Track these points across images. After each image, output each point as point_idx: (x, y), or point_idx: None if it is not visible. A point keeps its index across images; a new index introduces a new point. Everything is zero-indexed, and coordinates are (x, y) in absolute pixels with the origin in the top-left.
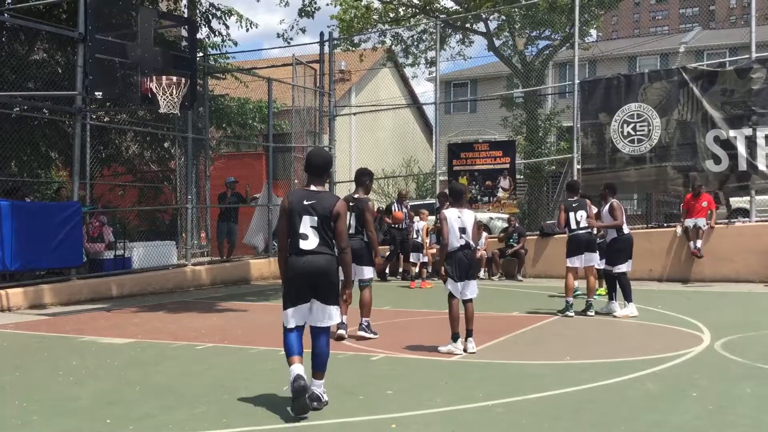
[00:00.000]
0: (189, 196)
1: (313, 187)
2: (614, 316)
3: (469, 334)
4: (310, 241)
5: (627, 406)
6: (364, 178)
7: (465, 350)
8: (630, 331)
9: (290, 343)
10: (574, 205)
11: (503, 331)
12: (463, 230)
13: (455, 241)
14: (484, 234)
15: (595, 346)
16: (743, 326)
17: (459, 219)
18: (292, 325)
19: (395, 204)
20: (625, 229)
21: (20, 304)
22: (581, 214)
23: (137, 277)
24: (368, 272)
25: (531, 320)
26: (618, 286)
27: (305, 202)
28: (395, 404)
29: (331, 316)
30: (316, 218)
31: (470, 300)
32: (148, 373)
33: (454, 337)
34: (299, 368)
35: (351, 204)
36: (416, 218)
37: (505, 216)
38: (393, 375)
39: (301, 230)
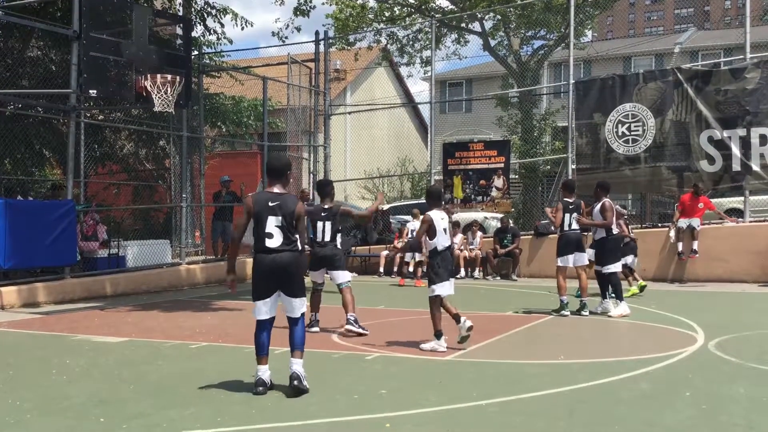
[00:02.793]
0: (183, 195)
1: (276, 189)
2: (609, 316)
3: (457, 320)
4: (275, 240)
5: (621, 406)
6: (328, 188)
7: (463, 337)
8: (624, 330)
9: (261, 343)
10: (571, 206)
11: (497, 331)
12: (445, 230)
13: (445, 242)
14: (479, 233)
15: (589, 345)
16: (737, 326)
17: (442, 220)
18: (263, 316)
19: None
20: (615, 229)
21: (14, 302)
22: (575, 216)
23: (131, 275)
24: (343, 276)
25: (525, 320)
26: (611, 285)
27: (270, 204)
28: (389, 403)
29: (301, 306)
30: (280, 218)
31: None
32: (141, 372)
33: (438, 335)
34: (265, 372)
35: (323, 214)
36: (409, 218)
37: (500, 215)
38: (387, 374)
39: (267, 229)
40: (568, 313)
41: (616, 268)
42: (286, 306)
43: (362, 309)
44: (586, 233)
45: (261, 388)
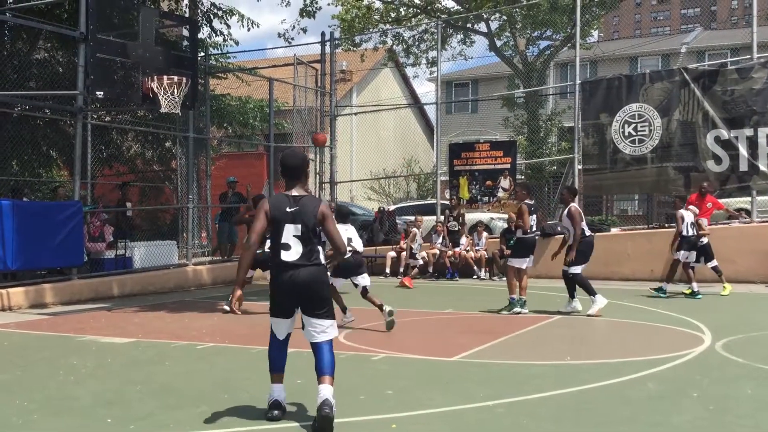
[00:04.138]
0: (190, 196)
1: (294, 192)
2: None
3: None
4: (292, 252)
5: (628, 407)
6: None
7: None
8: (631, 331)
9: (273, 356)
10: (532, 208)
11: (504, 332)
12: (350, 240)
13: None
14: (485, 234)
15: (595, 346)
16: (744, 327)
17: (345, 231)
18: (280, 334)
19: None
20: (587, 231)
21: (21, 303)
22: (534, 218)
23: (138, 276)
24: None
25: (532, 320)
26: (578, 286)
27: (287, 209)
28: (395, 404)
29: (325, 329)
30: (300, 226)
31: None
32: (148, 373)
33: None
34: (280, 392)
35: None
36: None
37: (506, 216)
38: (393, 375)
39: (283, 239)
40: (527, 311)
41: (580, 269)
42: (308, 328)
43: (369, 310)
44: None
45: (276, 412)
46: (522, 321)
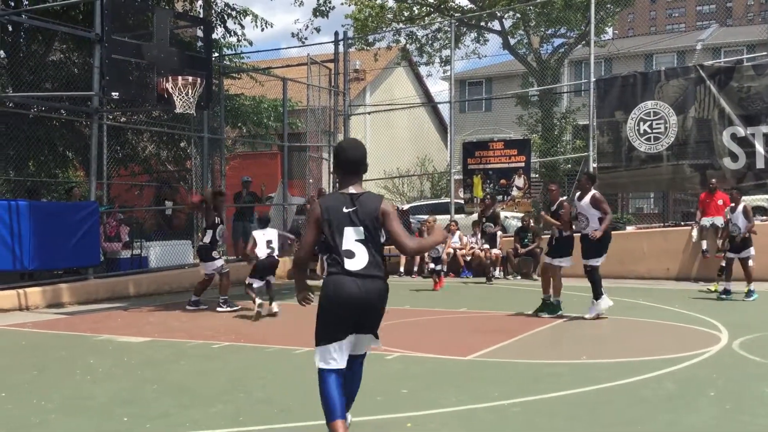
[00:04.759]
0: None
1: (351, 189)
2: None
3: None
4: (358, 260)
5: (644, 406)
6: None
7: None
8: (647, 330)
9: (332, 398)
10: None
11: (519, 331)
12: (270, 242)
13: (263, 251)
14: (499, 233)
15: (611, 345)
16: (762, 326)
17: (263, 235)
18: (334, 365)
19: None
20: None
21: (38, 303)
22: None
23: (154, 276)
24: (210, 266)
25: (547, 320)
26: (590, 281)
27: (345, 210)
28: (410, 403)
29: (374, 342)
30: (361, 229)
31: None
32: (164, 372)
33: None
34: None
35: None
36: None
37: (520, 215)
38: (408, 374)
39: (345, 246)
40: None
41: (600, 262)
42: (358, 343)
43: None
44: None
45: None
46: (537, 320)
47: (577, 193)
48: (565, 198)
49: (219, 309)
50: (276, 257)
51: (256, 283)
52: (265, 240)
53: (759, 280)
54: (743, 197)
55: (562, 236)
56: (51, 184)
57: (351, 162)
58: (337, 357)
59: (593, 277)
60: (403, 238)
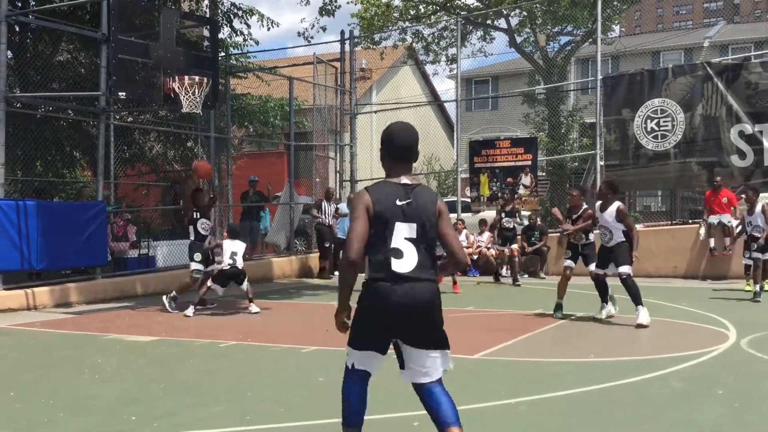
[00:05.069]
0: (211, 195)
1: (404, 179)
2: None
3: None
4: (407, 261)
5: (651, 405)
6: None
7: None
8: (654, 329)
9: (350, 402)
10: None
11: (526, 329)
12: (234, 254)
13: (226, 260)
14: (518, 228)
15: (619, 344)
16: None
17: (231, 245)
18: (362, 366)
19: (324, 202)
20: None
21: (46, 302)
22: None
23: (161, 275)
24: (193, 265)
25: (554, 318)
26: (627, 291)
27: (398, 203)
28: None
29: (445, 362)
30: (414, 226)
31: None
32: (171, 371)
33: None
34: None
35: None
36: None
37: (527, 213)
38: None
39: (394, 243)
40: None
41: (631, 270)
42: (413, 366)
43: None
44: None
45: None
46: (544, 319)
47: (598, 203)
48: (587, 207)
49: (166, 304)
50: (239, 267)
51: (219, 289)
52: (230, 251)
53: None
54: None
55: (588, 242)
56: (59, 184)
57: (402, 147)
58: (371, 364)
59: (629, 284)
60: (457, 247)
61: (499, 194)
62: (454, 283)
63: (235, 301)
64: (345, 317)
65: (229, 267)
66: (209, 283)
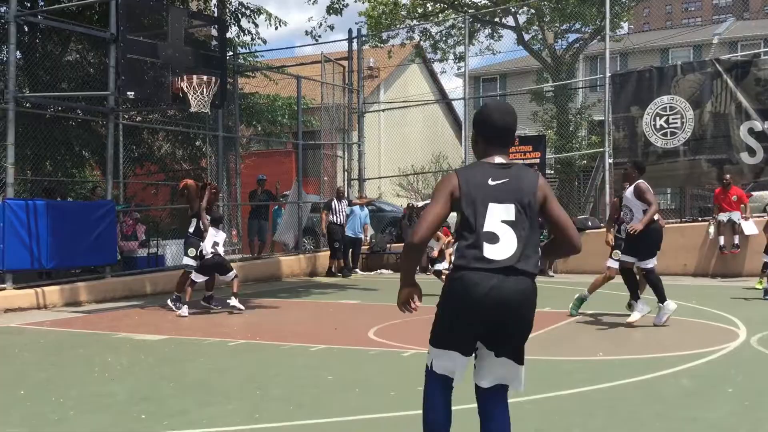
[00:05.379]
0: (220, 194)
1: (498, 159)
2: (655, 324)
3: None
4: (503, 247)
5: (661, 403)
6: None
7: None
8: (663, 326)
9: (433, 409)
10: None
11: (534, 327)
12: (216, 243)
13: (208, 249)
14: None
15: (628, 342)
16: None
17: (214, 235)
18: (445, 372)
19: (334, 201)
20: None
21: (56, 301)
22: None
23: (170, 274)
24: (185, 260)
25: (562, 316)
26: (650, 286)
27: (491, 182)
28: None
29: (516, 376)
30: (512, 207)
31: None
32: (181, 370)
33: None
34: None
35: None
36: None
37: None
38: (423, 371)
39: (487, 227)
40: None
41: (654, 263)
42: (496, 371)
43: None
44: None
45: None
46: (552, 317)
47: (626, 185)
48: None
49: (170, 304)
50: (222, 256)
51: (198, 278)
52: (212, 240)
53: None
54: (761, 193)
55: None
56: (69, 184)
57: (499, 129)
58: (451, 366)
59: (651, 279)
60: (571, 230)
61: None
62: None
63: (246, 300)
64: (408, 292)
65: (211, 255)
66: (192, 276)
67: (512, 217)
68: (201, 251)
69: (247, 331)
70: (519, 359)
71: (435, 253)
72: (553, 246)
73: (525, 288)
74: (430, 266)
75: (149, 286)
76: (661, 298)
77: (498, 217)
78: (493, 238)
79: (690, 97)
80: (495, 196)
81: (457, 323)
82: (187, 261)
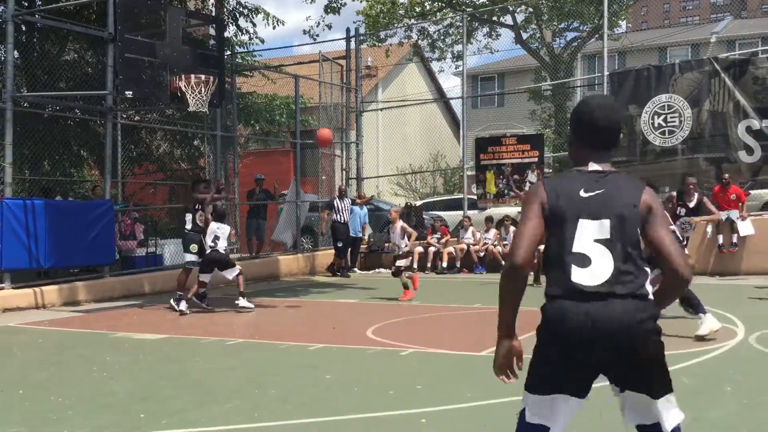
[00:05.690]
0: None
1: (594, 166)
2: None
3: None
4: (597, 270)
5: None
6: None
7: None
8: (663, 325)
9: None
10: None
11: (532, 325)
12: (217, 238)
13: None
14: (512, 228)
15: None
16: None
17: (217, 229)
18: (540, 421)
19: (336, 200)
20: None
21: (55, 301)
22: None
23: (169, 273)
24: (188, 257)
25: None
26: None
27: (583, 194)
28: (425, 399)
29: (671, 408)
30: (606, 223)
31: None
32: (180, 369)
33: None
34: None
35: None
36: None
37: None
38: (422, 370)
39: (576, 248)
40: None
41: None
42: (629, 407)
43: (396, 304)
44: None
45: None
46: None
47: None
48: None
49: (174, 305)
50: (222, 251)
51: (205, 278)
52: (213, 234)
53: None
54: (759, 191)
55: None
56: (67, 183)
57: (600, 129)
58: (548, 414)
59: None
60: (676, 256)
61: (506, 191)
62: (406, 288)
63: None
64: (508, 350)
65: (209, 250)
66: (200, 277)
67: (607, 235)
68: (202, 246)
69: (245, 331)
70: (652, 392)
71: (404, 259)
72: (662, 285)
73: (631, 313)
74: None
75: (148, 286)
76: (697, 310)
77: (590, 235)
78: (584, 261)
79: (688, 95)
80: (587, 211)
81: (553, 361)
82: (189, 258)
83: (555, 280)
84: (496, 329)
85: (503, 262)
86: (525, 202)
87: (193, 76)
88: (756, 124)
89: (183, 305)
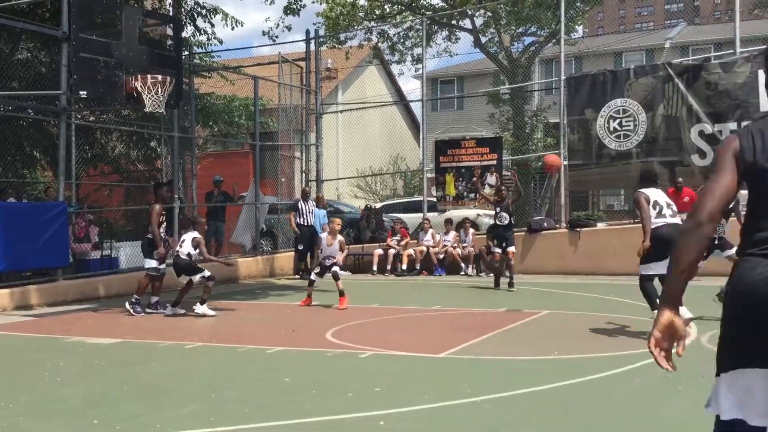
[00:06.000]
0: (176, 196)
1: None
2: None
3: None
4: None
5: (615, 401)
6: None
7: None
8: (617, 325)
9: None
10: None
11: (491, 327)
12: (183, 241)
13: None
14: (471, 230)
15: (582, 341)
16: None
17: (183, 235)
18: (728, 402)
19: (300, 202)
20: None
21: (6, 305)
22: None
23: (124, 277)
24: (149, 262)
25: (519, 316)
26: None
27: None
28: (384, 401)
29: None
30: None
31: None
32: (135, 373)
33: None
34: None
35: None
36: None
37: (492, 213)
38: (381, 372)
39: None
40: None
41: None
42: None
43: (356, 307)
44: None
45: None
46: (509, 317)
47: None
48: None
49: (129, 309)
50: (183, 257)
51: (183, 279)
52: (181, 239)
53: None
54: None
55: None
56: (21, 185)
57: None
58: (742, 394)
59: (641, 286)
60: None
61: (465, 194)
62: (341, 295)
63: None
64: (667, 325)
65: (176, 256)
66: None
67: None
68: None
69: (203, 334)
70: None
71: (340, 260)
72: None
73: None
74: (314, 272)
75: (102, 289)
76: (652, 306)
77: None
78: None
79: (643, 100)
80: None
81: (747, 329)
82: (151, 264)
83: (757, 239)
84: (659, 298)
85: (462, 264)
86: (718, 155)
87: (149, 76)
88: (708, 128)
89: (169, 310)
